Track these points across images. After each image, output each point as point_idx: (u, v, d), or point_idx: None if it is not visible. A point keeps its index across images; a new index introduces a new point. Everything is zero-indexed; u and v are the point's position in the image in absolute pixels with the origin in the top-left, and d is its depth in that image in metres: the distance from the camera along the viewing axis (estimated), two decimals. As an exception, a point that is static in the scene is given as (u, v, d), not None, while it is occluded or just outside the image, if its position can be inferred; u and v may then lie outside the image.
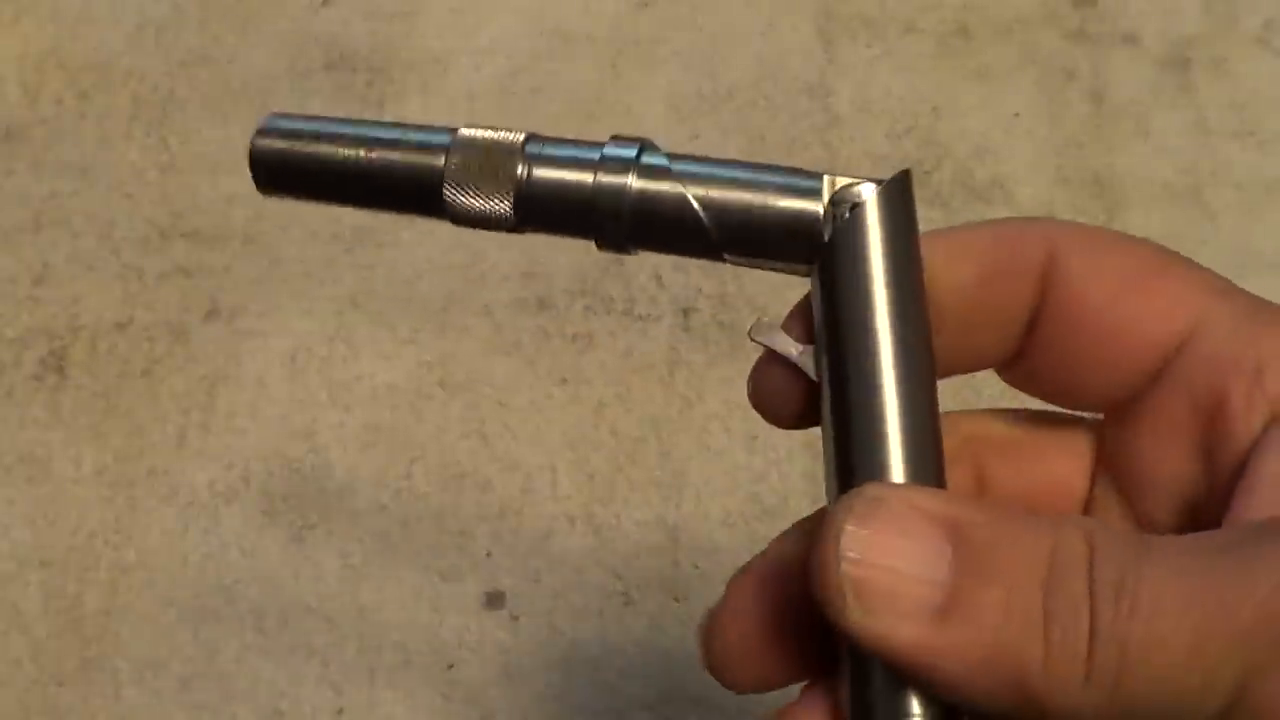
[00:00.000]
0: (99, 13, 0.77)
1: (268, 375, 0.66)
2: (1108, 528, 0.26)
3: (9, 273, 0.68)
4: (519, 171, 0.30)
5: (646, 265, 0.68)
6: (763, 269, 0.31)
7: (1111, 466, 0.32)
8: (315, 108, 0.72)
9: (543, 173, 0.30)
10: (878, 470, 0.28)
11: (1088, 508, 0.33)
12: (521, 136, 0.31)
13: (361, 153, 0.31)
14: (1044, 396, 0.33)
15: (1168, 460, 0.31)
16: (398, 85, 0.74)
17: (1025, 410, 0.34)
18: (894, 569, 0.25)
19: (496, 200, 0.30)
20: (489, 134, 0.31)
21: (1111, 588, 0.24)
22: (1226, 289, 0.30)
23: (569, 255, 0.68)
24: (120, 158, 0.72)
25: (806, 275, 0.30)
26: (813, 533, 0.28)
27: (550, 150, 0.31)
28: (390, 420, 0.64)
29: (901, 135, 0.72)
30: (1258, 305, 0.30)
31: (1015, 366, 0.32)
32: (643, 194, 0.30)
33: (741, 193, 0.30)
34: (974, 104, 0.74)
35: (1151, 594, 0.24)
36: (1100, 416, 0.33)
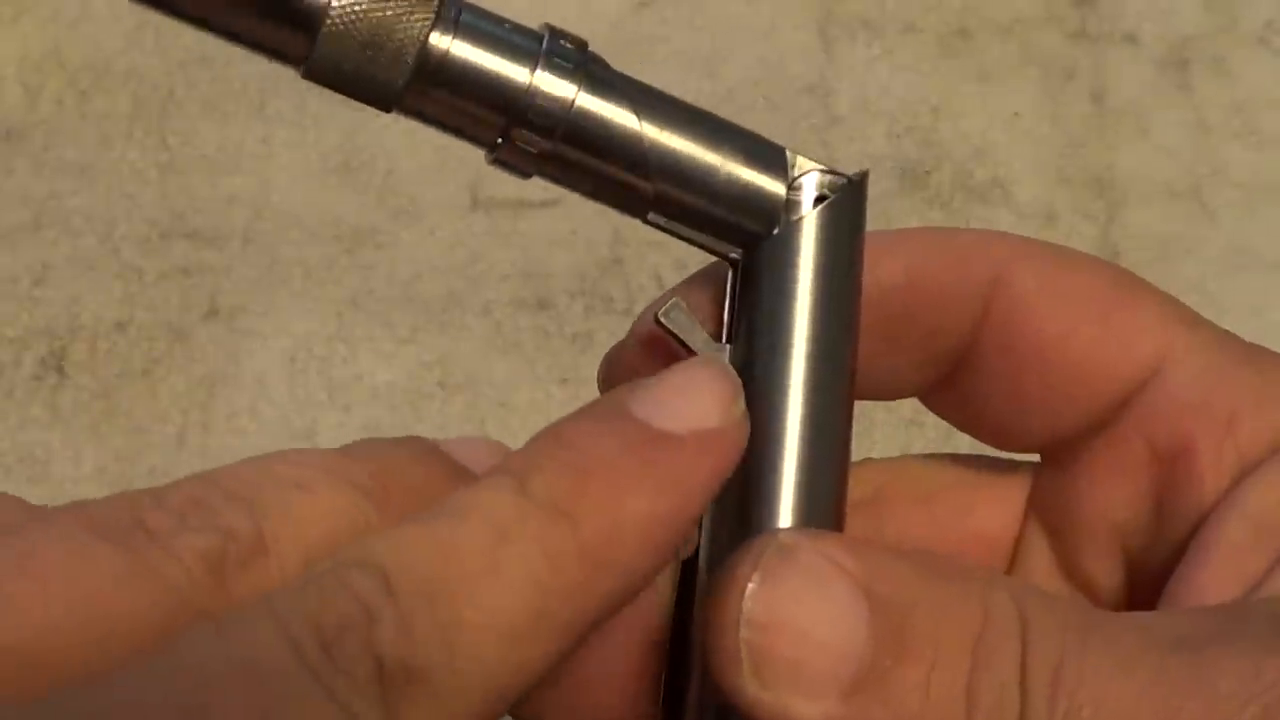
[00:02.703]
0: (99, 13, 0.76)
1: (268, 375, 0.66)
2: (1044, 596, 0.22)
3: (9, 273, 0.68)
4: (433, 37, 0.23)
5: (646, 265, 0.68)
6: (680, 239, 0.26)
7: (1043, 510, 0.29)
8: (313, 108, 0.72)
9: (464, 48, 0.23)
10: (775, 505, 0.24)
11: (1014, 552, 0.29)
12: None
13: None
14: (975, 432, 0.29)
15: (1112, 509, 0.27)
16: (398, 85, 0.74)
17: (950, 455, 0.30)
18: (803, 635, 0.21)
19: (388, 65, 0.23)
20: None
21: (1047, 677, 0.21)
22: (1193, 320, 0.27)
23: (569, 255, 0.68)
24: (120, 158, 0.72)
25: (723, 256, 0.26)
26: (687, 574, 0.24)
27: (475, 21, 0.23)
28: (390, 420, 0.64)
29: (901, 135, 0.72)
30: (1226, 340, 0.27)
31: (945, 394, 0.28)
32: (586, 110, 0.24)
33: (701, 144, 0.24)
34: (974, 104, 0.74)
35: (1092, 693, 0.21)
36: (1036, 458, 0.29)
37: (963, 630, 0.21)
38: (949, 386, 0.28)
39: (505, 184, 0.69)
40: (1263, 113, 0.73)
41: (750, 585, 0.21)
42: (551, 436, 0.23)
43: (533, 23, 0.24)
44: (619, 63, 0.26)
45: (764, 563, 0.22)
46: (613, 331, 0.66)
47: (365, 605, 0.20)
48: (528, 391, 0.64)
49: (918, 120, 0.73)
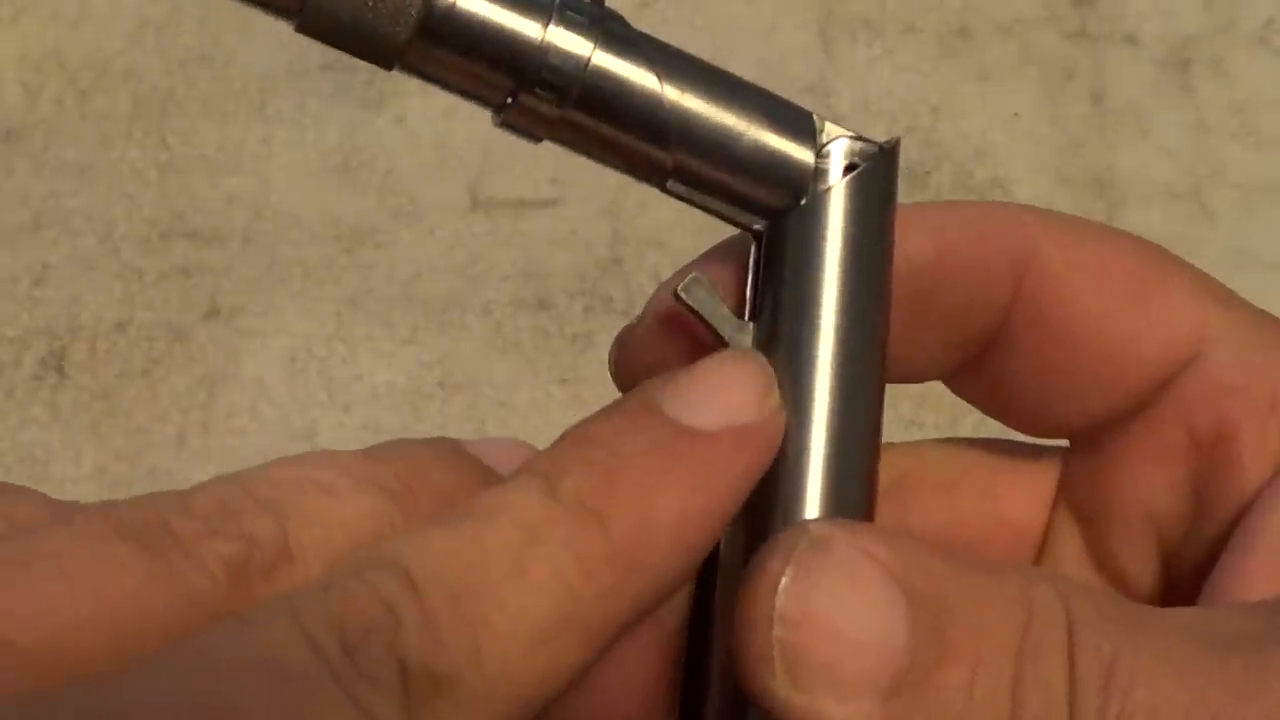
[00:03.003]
0: (99, 13, 0.76)
1: (268, 375, 0.66)
2: (1088, 591, 0.21)
3: (9, 273, 0.68)
4: None
5: (646, 265, 0.68)
6: (701, 209, 0.24)
7: (1074, 497, 0.28)
8: (313, 108, 0.72)
9: (472, 0, 0.21)
10: (803, 492, 0.23)
11: (1043, 542, 0.28)
12: None
13: None
14: (1003, 416, 0.27)
15: (1148, 496, 0.26)
16: (397, 85, 0.74)
17: (971, 440, 0.29)
18: (839, 634, 0.20)
19: (389, 17, 0.21)
20: None
21: (1098, 676, 0.20)
22: (1228, 298, 0.26)
23: (569, 255, 0.68)
24: (120, 158, 0.72)
25: (745, 228, 0.24)
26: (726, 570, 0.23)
27: None
28: (390, 420, 0.64)
29: (901, 135, 0.72)
30: (1264, 320, 0.26)
31: (972, 376, 0.27)
32: (603, 70, 0.22)
33: (725, 107, 0.23)
34: (974, 104, 0.74)
35: (1146, 695, 0.20)
36: (1065, 443, 0.28)
37: (1007, 627, 0.20)
38: (976, 368, 0.27)
39: (505, 184, 0.69)
40: (1262, 113, 0.73)
41: (783, 580, 0.20)
42: (580, 435, 0.22)
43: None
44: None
45: (797, 556, 0.20)
46: (612, 332, 0.66)
47: (390, 607, 0.19)
48: (528, 391, 0.64)
49: (918, 120, 0.73)
